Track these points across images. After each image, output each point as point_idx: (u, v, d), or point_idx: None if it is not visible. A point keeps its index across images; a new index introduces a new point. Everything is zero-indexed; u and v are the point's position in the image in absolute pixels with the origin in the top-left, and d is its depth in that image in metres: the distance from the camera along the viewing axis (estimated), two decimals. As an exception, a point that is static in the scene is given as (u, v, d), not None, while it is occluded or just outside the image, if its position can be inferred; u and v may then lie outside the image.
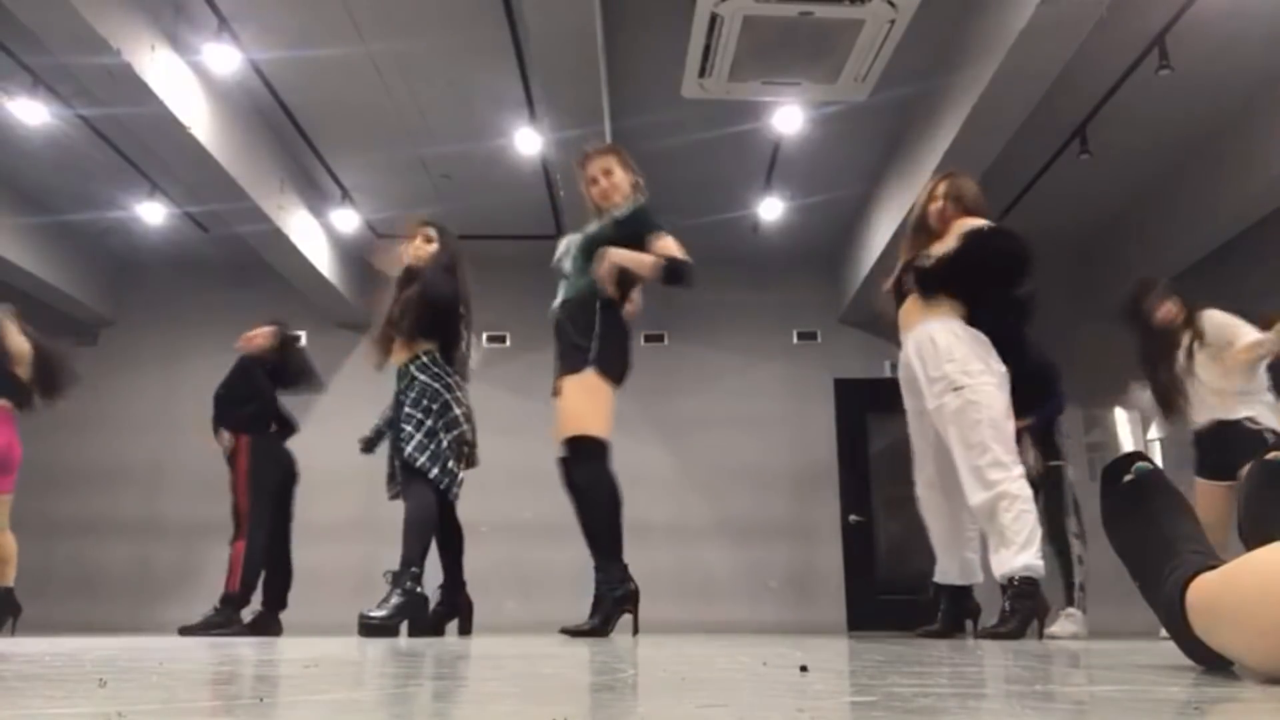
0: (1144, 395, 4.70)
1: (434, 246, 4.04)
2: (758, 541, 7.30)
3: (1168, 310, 4.55)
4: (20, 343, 4.91)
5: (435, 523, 3.68)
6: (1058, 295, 7.91)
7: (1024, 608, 3.28)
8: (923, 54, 5.01)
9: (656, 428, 7.20)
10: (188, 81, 5.08)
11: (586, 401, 3.26)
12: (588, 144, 3.67)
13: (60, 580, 6.88)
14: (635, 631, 3.23)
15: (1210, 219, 6.30)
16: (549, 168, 6.31)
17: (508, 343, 7.53)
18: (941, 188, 3.72)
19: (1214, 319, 4.41)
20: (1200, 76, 5.32)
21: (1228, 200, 6.08)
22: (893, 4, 4.29)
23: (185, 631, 4.46)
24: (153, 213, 6.81)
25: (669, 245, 3.42)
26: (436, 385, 3.83)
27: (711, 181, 6.71)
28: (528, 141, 6.01)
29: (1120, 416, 7.55)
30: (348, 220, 6.98)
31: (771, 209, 6.97)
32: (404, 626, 3.60)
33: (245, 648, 2.33)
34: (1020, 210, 7.00)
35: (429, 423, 3.73)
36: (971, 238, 3.52)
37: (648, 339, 7.89)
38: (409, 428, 3.71)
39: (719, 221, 7.17)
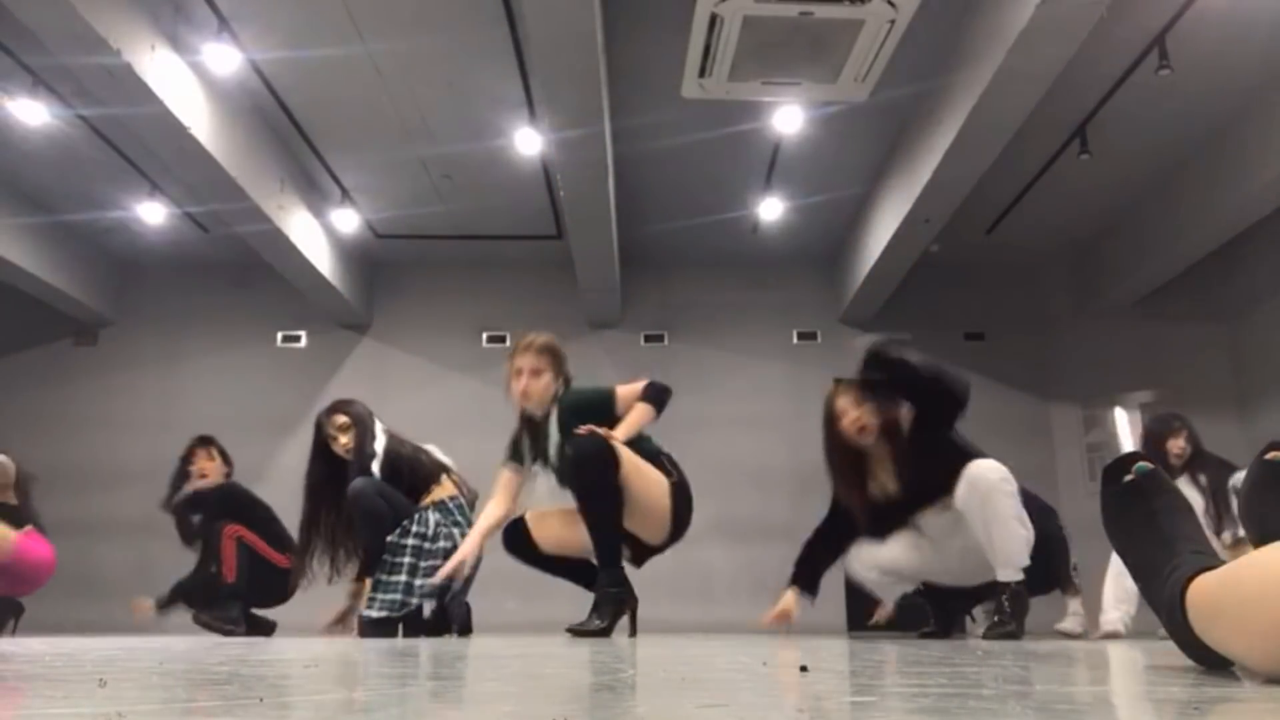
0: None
1: (350, 435, 3.85)
2: (758, 541, 7.30)
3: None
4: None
5: (379, 514, 3.64)
6: (1058, 295, 7.93)
7: (1021, 606, 3.32)
8: (923, 54, 5.01)
9: (656, 427, 7.19)
10: (188, 81, 5.08)
11: (640, 464, 3.24)
12: (530, 335, 3.51)
13: (60, 580, 6.86)
14: (633, 632, 3.24)
15: (1210, 219, 6.30)
16: (549, 168, 6.31)
17: (508, 343, 7.53)
18: (860, 409, 3.41)
19: None
20: (1200, 76, 5.32)
21: (1228, 200, 6.08)
22: (893, 4, 4.29)
23: (199, 620, 4.45)
24: (153, 213, 6.82)
25: (629, 397, 3.35)
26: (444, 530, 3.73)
27: (711, 181, 6.71)
28: (528, 141, 6.01)
29: (1120, 416, 7.56)
30: (348, 220, 6.99)
31: (771, 209, 6.97)
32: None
33: (245, 648, 2.33)
34: (1020, 210, 7.01)
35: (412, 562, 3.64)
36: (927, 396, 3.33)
37: (648, 339, 7.89)
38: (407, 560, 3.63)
39: (719, 221, 7.18)
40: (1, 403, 7.60)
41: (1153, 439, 4.44)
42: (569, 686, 1.08)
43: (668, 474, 3.34)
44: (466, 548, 3.42)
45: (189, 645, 2.50)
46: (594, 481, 3.12)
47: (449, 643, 2.75)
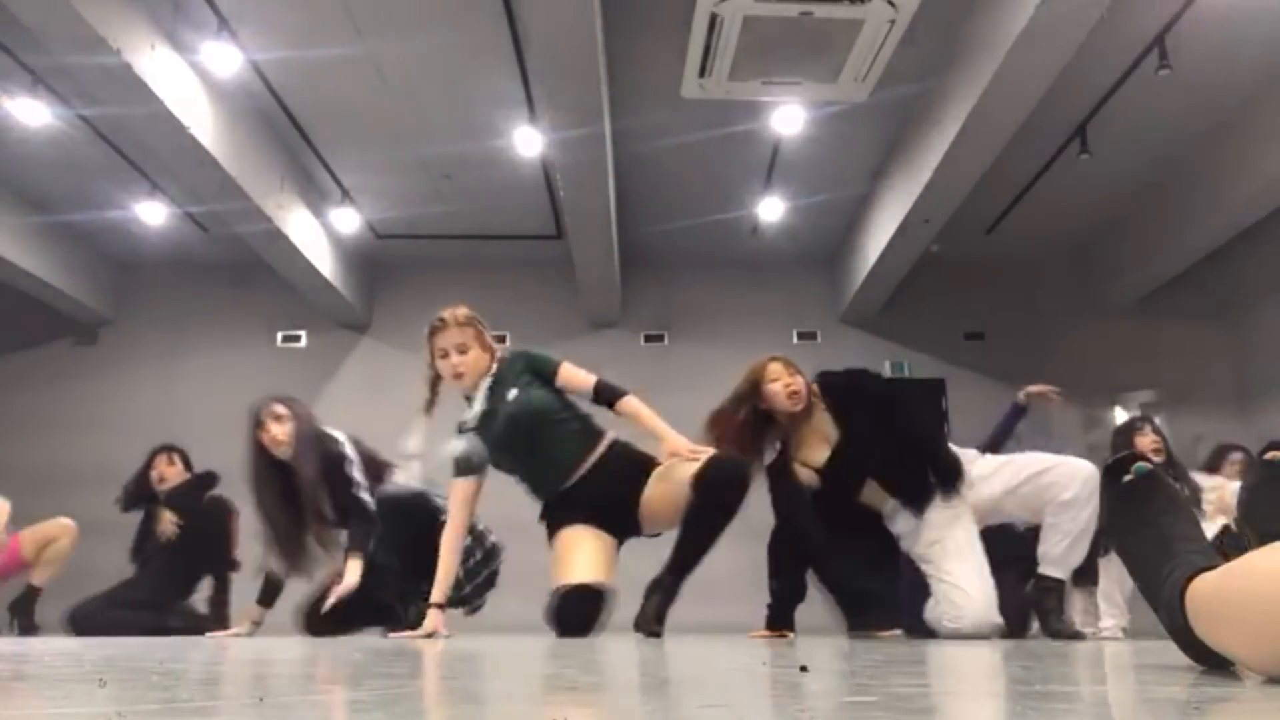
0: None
1: (288, 426, 3.67)
2: (758, 541, 7.29)
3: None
4: None
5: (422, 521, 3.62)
6: (1058, 295, 7.92)
7: (1052, 603, 3.32)
8: (923, 54, 5.01)
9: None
10: (188, 81, 5.08)
11: None
12: (444, 311, 3.33)
13: (60, 580, 6.87)
14: (635, 628, 3.26)
15: (1210, 219, 6.30)
16: (549, 168, 6.31)
17: (508, 342, 7.53)
18: (793, 378, 3.55)
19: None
20: (1200, 76, 5.32)
21: (1227, 200, 6.08)
22: (893, 4, 4.29)
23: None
24: (153, 213, 6.82)
25: (576, 375, 3.30)
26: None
27: (711, 181, 6.71)
28: (528, 141, 6.01)
29: (1121, 416, 7.56)
30: (348, 220, 6.99)
31: (771, 209, 6.97)
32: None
33: (246, 647, 2.33)
34: (1020, 210, 7.01)
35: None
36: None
37: (648, 339, 7.88)
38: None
39: (719, 221, 7.18)
40: (1, 403, 7.60)
41: (1124, 441, 4.44)
42: (569, 686, 1.08)
43: None
44: (438, 596, 3.23)
45: (189, 645, 2.50)
46: (733, 505, 3.16)
47: (450, 643, 2.75)
